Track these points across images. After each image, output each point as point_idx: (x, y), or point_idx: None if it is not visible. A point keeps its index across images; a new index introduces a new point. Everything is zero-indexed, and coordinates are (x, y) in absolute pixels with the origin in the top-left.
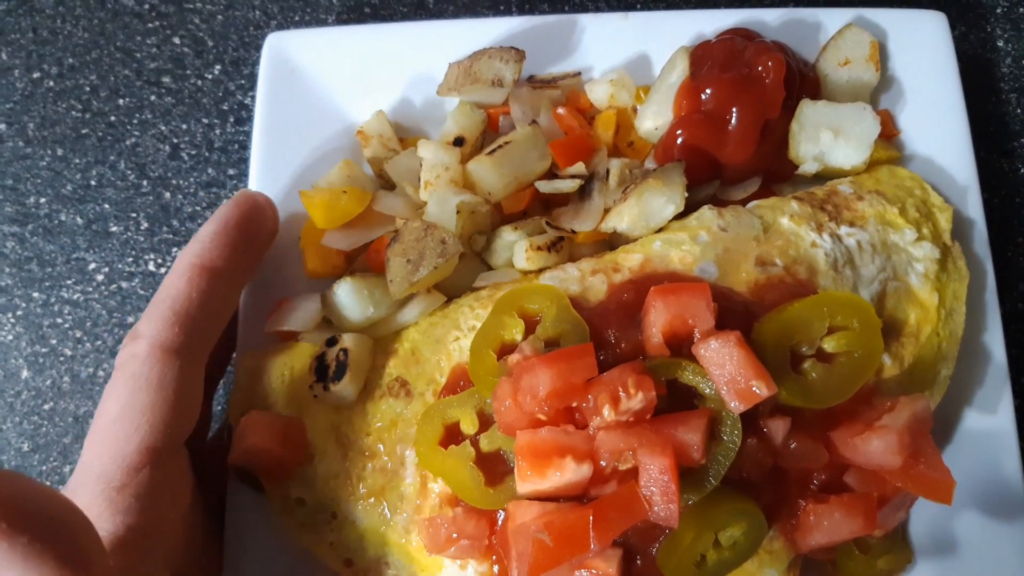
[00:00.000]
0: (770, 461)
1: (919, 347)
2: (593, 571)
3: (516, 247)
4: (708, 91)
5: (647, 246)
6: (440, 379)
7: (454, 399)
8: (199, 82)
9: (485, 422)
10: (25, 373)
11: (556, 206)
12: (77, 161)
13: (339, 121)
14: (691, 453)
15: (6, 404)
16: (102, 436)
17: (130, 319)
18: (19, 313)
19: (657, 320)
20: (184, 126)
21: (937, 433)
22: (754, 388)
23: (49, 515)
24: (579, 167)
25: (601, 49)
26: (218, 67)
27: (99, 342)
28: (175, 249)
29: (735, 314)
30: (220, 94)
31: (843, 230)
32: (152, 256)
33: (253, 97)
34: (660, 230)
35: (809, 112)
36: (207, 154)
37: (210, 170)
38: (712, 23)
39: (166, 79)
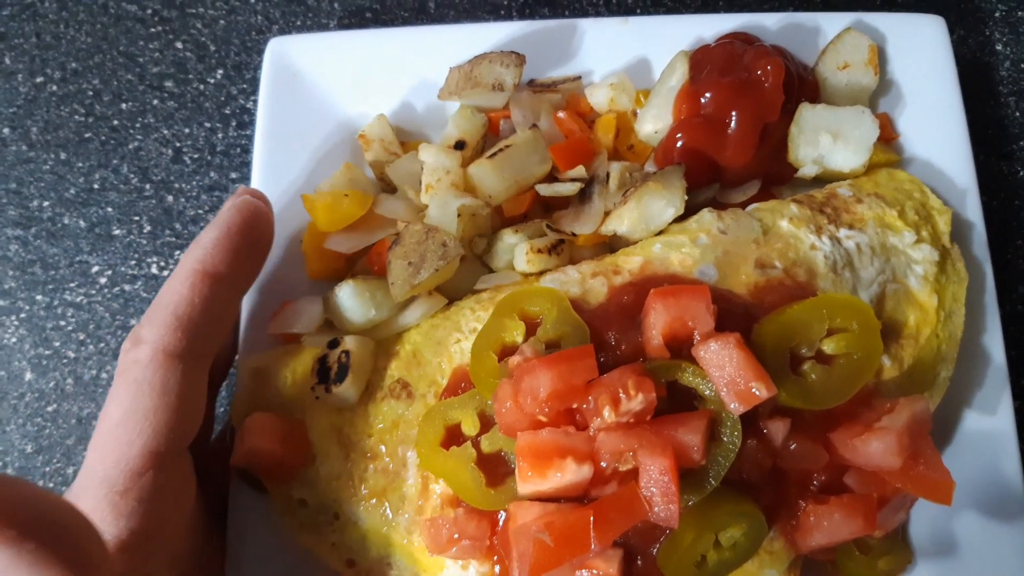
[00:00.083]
0: (770, 462)
1: (918, 349)
2: (594, 571)
3: (517, 250)
4: (708, 95)
5: (647, 249)
6: (441, 381)
7: (455, 401)
8: (201, 86)
9: (486, 423)
10: (29, 375)
11: (556, 209)
12: (80, 165)
13: (341, 125)
14: (691, 454)
15: (10, 406)
16: (105, 440)
17: (133, 321)
18: (23, 316)
19: (657, 322)
20: (187, 130)
21: (937, 434)
22: (754, 390)
23: (53, 520)
24: (579, 170)
25: (601, 53)
26: (220, 71)
27: (102, 344)
28: (177, 252)
29: (735, 316)
30: (222, 98)
31: (842, 233)
32: (155, 259)
33: (255, 101)
34: (660, 233)
35: (808, 116)
36: (209, 158)
37: (212, 174)
38: (712, 27)
39: (169, 83)
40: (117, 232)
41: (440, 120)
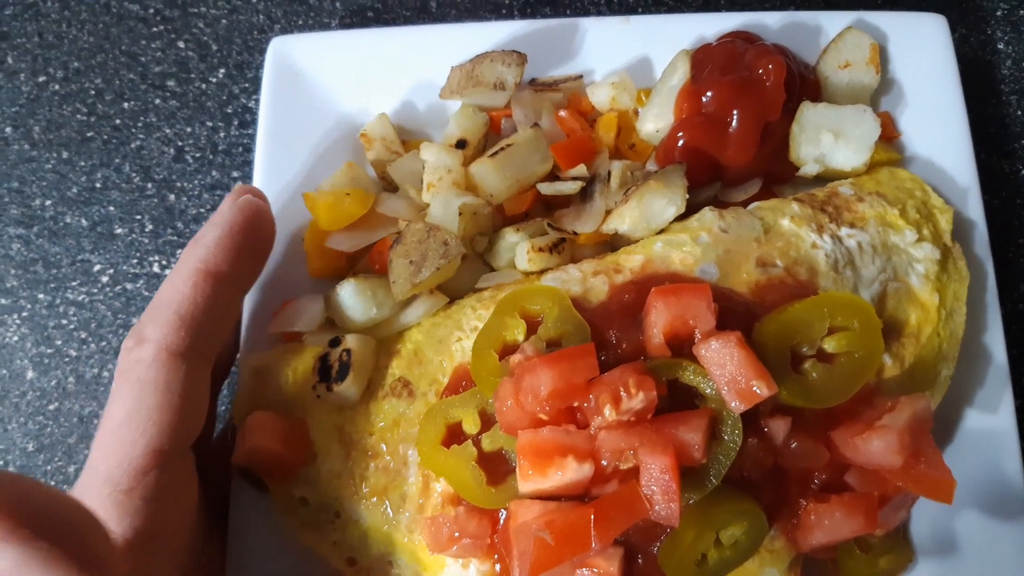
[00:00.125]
0: (771, 461)
1: (920, 347)
2: (594, 570)
3: (518, 248)
4: (709, 94)
5: (648, 247)
6: (442, 379)
7: (456, 399)
8: (203, 86)
9: (487, 422)
10: (30, 374)
11: (558, 208)
12: (82, 164)
13: (342, 124)
14: (692, 453)
15: (11, 404)
16: (108, 439)
17: (134, 320)
18: (24, 314)
19: (658, 321)
20: (188, 129)
21: (938, 433)
22: (755, 388)
23: (64, 519)
24: (581, 169)
25: (603, 52)
26: (222, 71)
27: (104, 343)
28: (179, 251)
29: (736, 315)
30: (224, 97)
31: (844, 231)
32: (157, 258)
33: (257, 100)
34: (661, 231)
35: (810, 114)
36: (211, 157)
37: (214, 173)
38: (713, 26)
39: (171, 83)
40: (119, 231)
41: (442, 119)
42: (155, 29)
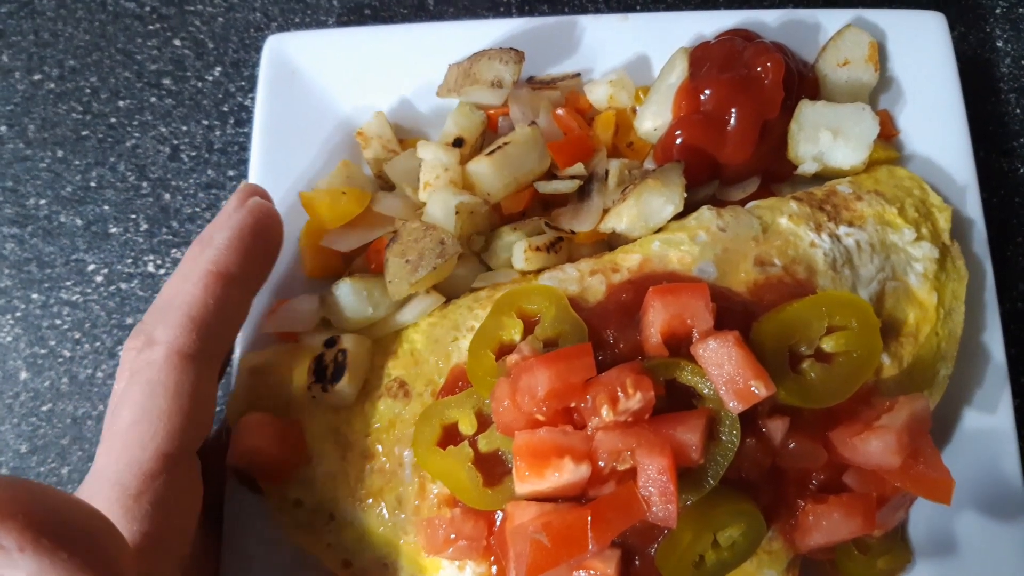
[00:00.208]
0: (769, 461)
1: (918, 347)
2: (592, 572)
3: (515, 247)
4: (707, 92)
5: (646, 246)
6: (439, 380)
7: (452, 400)
8: (199, 84)
9: (483, 423)
10: (24, 374)
11: (555, 207)
12: (77, 163)
13: (339, 122)
14: (690, 453)
15: (4, 405)
16: (117, 442)
17: (129, 320)
18: (18, 314)
19: (656, 320)
20: (184, 128)
21: (936, 433)
22: (753, 388)
23: (83, 528)
24: (578, 168)
25: (600, 50)
26: (218, 69)
27: (98, 343)
28: (174, 250)
29: (734, 314)
30: (220, 96)
31: (842, 230)
32: (151, 257)
33: (253, 99)
34: (659, 230)
35: (808, 112)
36: (207, 155)
37: (210, 171)
38: (711, 24)
39: (166, 81)
40: (114, 230)
41: (439, 117)
42: (151, 27)
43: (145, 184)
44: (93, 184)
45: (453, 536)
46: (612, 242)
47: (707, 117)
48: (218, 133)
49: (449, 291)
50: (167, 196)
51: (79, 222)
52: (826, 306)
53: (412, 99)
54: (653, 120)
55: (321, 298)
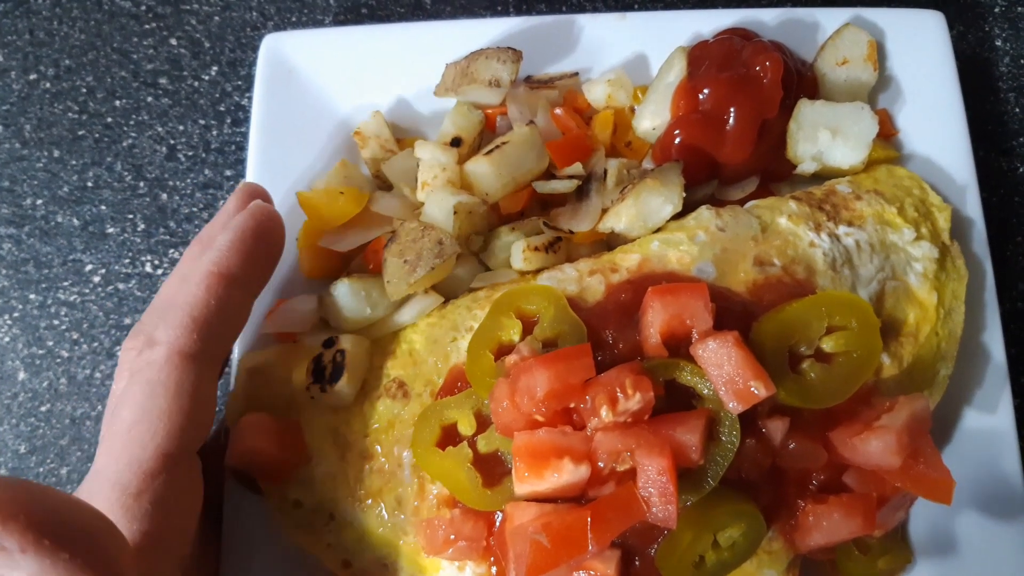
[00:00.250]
0: (769, 461)
1: (918, 347)
2: (591, 572)
3: (514, 247)
4: (706, 91)
5: (645, 246)
6: (438, 380)
7: (451, 400)
8: (196, 83)
9: (483, 423)
10: (22, 375)
11: (554, 206)
12: (74, 163)
13: (336, 122)
14: (689, 454)
15: (3, 406)
16: (117, 441)
17: (127, 320)
18: (15, 315)
19: (655, 320)
20: (181, 127)
21: (936, 433)
22: (752, 388)
23: (84, 529)
24: (577, 167)
25: (599, 49)
26: (215, 68)
27: (96, 344)
28: (172, 250)
29: (733, 314)
30: (217, 95)
31: (841, 230)
32: (149, 257)
33: (250, 98)
34: (658, 230)
35: (807, 112)
36: (204, 155)
37: (207, 171)
38: (710, 23)
39: (163, 80)
40: (111, 230)
41: (436, 117)
42: (147, 26)
43: (142, 184)
44: (90, 184)
45: (453, 537)
46: (611, 242)
47: (706, 116)
48: (215, 133)
49: (448, 291)
50: (164, 196)
51: (76, 222)
52: (826, 306)
53: (410, 98)
54: (651, 119)
55: (319, 298)
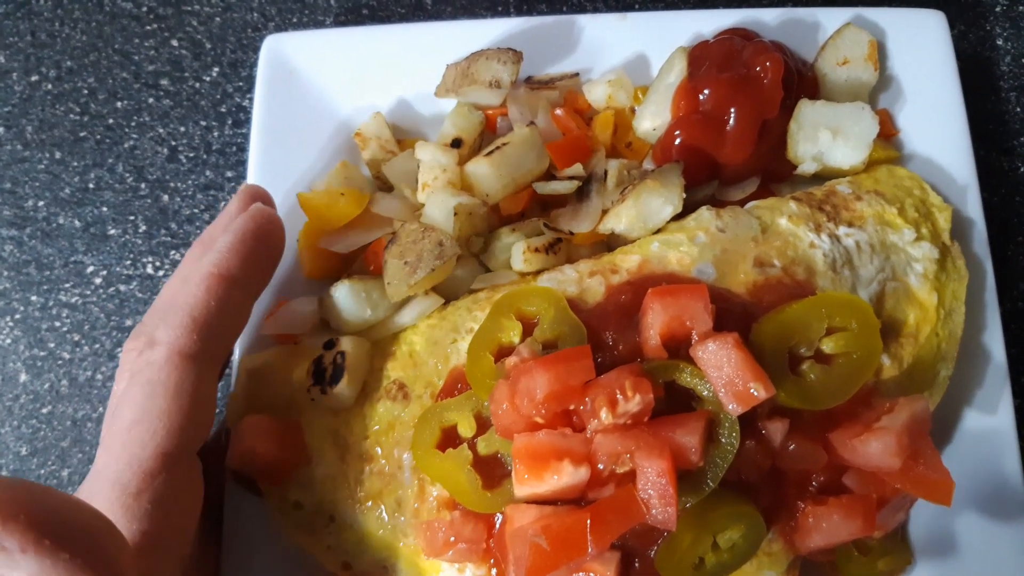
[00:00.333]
0: (768, 463)
1: (918, 347)
2: (591, 574)
3: (514, 249)
4: (706, 91)
5: (645, 247)
6: (438, 382)
7: (451, 402)
8: (197, 84)
9: (483, 425)
10: (23, 377)
11: (554, 207)
12: (75, 164)
13: (337, 123)
14: (689, 456)
15: (4, 408)
16: (117, 441)
17: (128, 322)
18: (17, 317)
19: (655, 322)
20: (182, 128)
21: (936, 433)
22: (752, 390)
23: (84, 529)
24: (577, 168)
25: (599, 50)
26: (216, 69)
27: (97, 345)
28: (173, 252)
29: (733, 315)
30: (218, 96)
31: (841, 230)
32: (150, 259)
33: (251, 99)
34: (658, 231)
35: (807, 112)
36: (205, 156)
37: (208, 172)
38: (710, 23)
39: (164, 81)
40: (112, 232)
41: (437, 118)
42: (148, 28)
43: (143, 185)
44: (91, 186)
45: (452, 539)
46: (611, 243)
47: (706, 117)
48: (216, 134)
49: (448, 293)
50: (165, 197)
51: (78, 224)
52: (826, 307)
53: (410, 99)
54: (652, 120)
55: (320, 300)
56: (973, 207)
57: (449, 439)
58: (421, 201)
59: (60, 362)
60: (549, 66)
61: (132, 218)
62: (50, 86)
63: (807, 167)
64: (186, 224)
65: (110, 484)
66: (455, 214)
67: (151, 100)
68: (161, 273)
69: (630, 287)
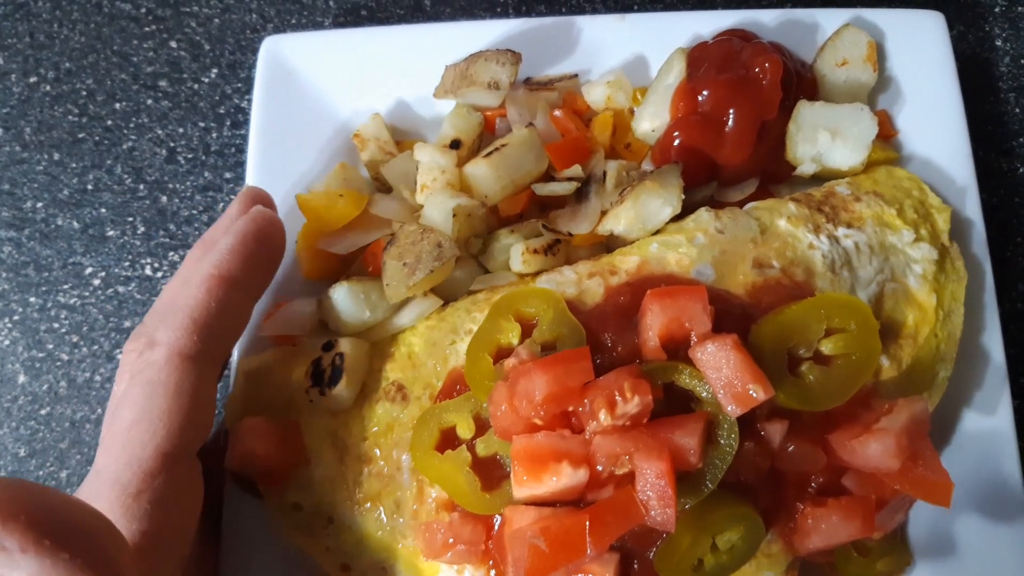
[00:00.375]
0: (768, 464)
1: (917, 348)
2: None
3: (513, 250)
4: (705, 92)
5: (644, 248)
6: (437, 383)
7: (450, 403)
8: (196, 86)
9: (481, 427)
10: (22, 378)
11: (553, 209)
12: (74, 165)
13: (336, 124)
14: (688, 457)
15: (3, 409)
16: (117, 441)
17: (127, 323)
18: (16, 318)
19: (654, 323)
20: (181, 130)
21: (935, 434)
22: (751, 391)
23: (84, 529)
24: (576, 169)
25: (598, 51)
26: (215, 71)
27: (96, 347)
28: (172, 253)
29: (732, 317)
30: (217, 98)
31: (840, 231)
32: (149, 260)
33: (250, 100)
34: (657, 232)
35: (806, 113)
36: (204, 158)
37: (207, 174)
38: (709, 24)
39: (163, 83)
40: (111, 233)
41: (436, 119)
42: (147, 29)
43: (142, 187)
44: (90, 187)
45: (451, 540)
46: (610, 244)
47: (705, 118)
48: (215, 135)
49: (447, 294)
50: (164, 199)
51: (76, 225)
52: (825, 308)
53: (409, 101)
54: (651, 121)
55: (318, 301)
56: (972, 208)
57: (448, 440)
58: (420, 202)
59: (59, 363)
60: (548, 67)
61: (131, 219)
62: (48, 87)
63: (806, 168)
64: (185, 225)
65: (110, 484)
66: (454, 215)
67: (150, 101)
68: (160, 274)
69: (629, 288)
